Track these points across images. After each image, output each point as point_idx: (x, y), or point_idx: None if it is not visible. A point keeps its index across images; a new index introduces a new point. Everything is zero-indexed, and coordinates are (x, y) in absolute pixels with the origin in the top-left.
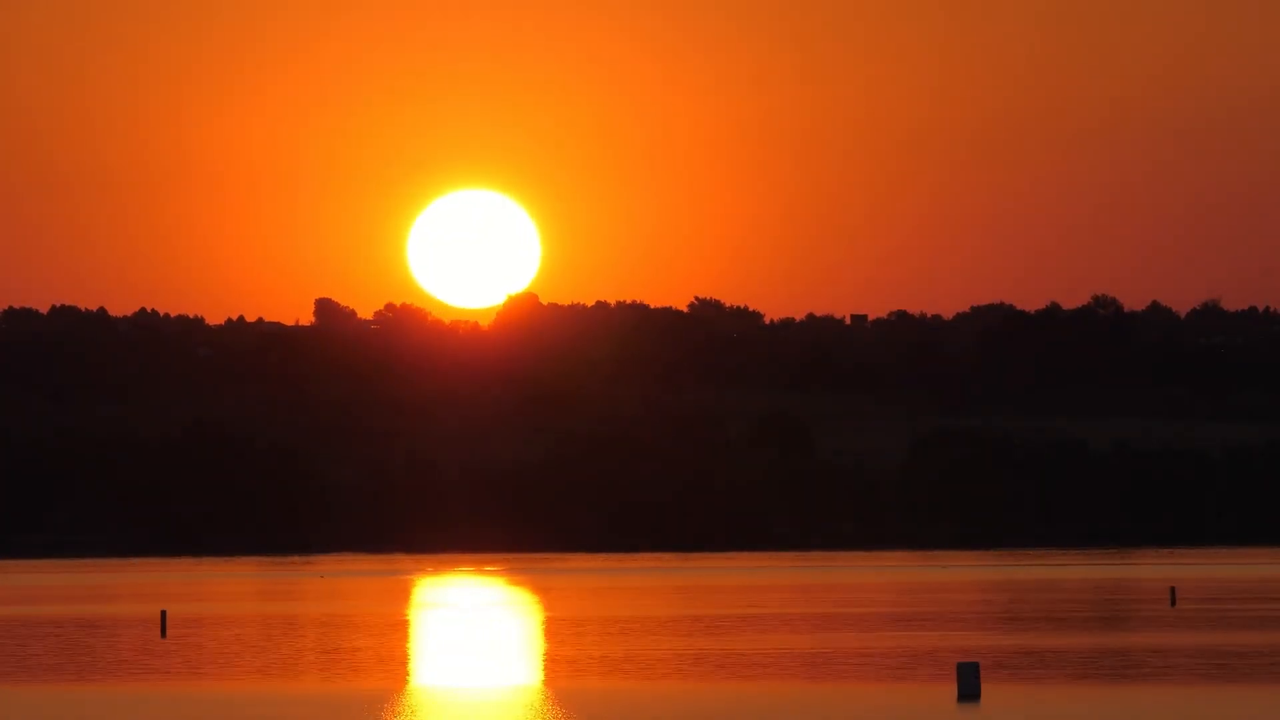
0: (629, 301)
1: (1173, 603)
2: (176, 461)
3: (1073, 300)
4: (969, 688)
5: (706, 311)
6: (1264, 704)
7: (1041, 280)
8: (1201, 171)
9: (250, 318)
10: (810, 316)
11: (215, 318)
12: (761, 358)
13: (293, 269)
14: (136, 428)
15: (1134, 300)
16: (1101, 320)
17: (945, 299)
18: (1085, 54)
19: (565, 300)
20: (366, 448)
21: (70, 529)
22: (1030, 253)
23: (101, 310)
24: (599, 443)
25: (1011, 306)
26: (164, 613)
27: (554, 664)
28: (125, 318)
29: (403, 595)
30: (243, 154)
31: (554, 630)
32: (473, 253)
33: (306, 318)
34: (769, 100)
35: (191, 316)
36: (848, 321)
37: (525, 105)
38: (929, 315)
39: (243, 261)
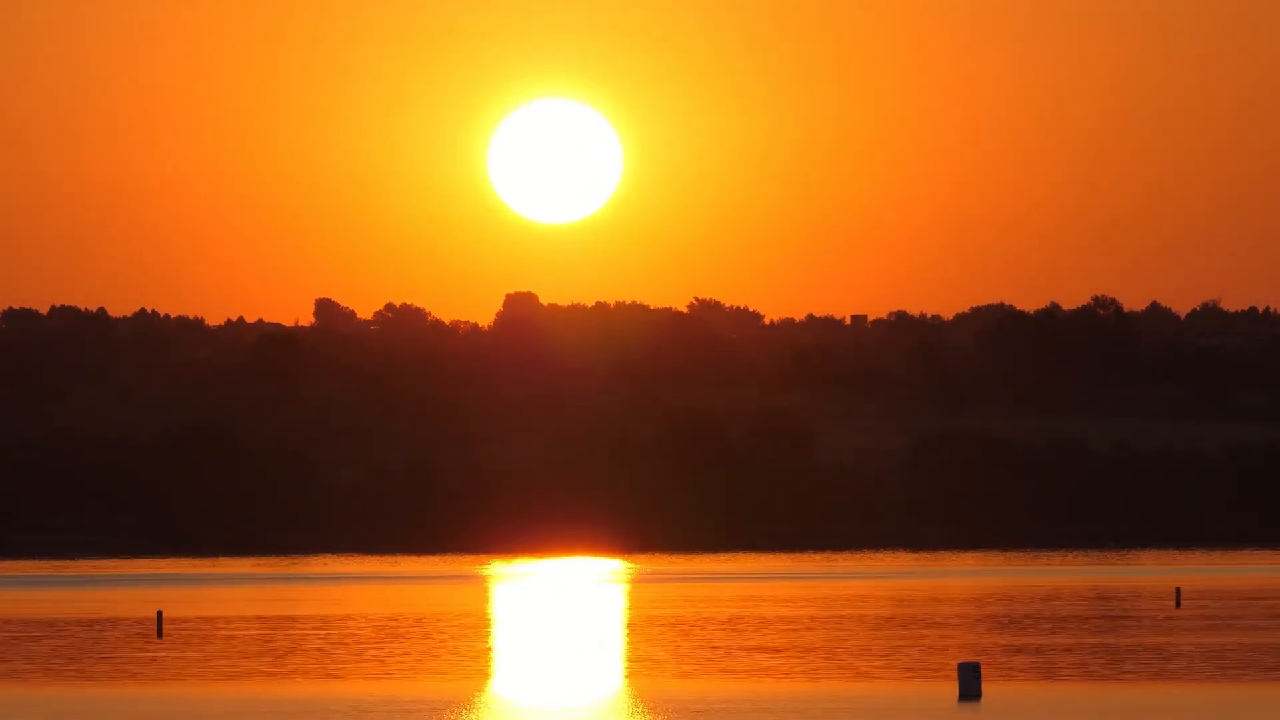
0: (629, 302)
1: (1178, 604)
2: (176, 461)
3: (1073, 300)
4: (970, 688)
5: (706, 311)
6: (1268, 704)
7: (1041, 280)
8: (1201, 171)
9: (250, 318)
10: (810, 316)
11: (215, 318)
12: (761, 358)
13: (293, 269)
14: (136, 428)
15: (1134, 300)
16: (1101, 320)
17: (945, 299)
18: (1084, 54)
19: (565, 300)
20: (366, 448)
21: (70, 529)
22: (1030, 253)
23: (101, 310)
24: (598, 443)
25: (1011, 307)
26: (160, 613)
27: (543, 667)
28: (125, 318)
29: (404, 597)
30: (244, 153)
31: (538, 636)
32: (554, 164)
33: (306, 318)
34: (768, 101)
35: (191, 317)
36: (848, 322)
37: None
38: (929, 315)
39: (243, 261)
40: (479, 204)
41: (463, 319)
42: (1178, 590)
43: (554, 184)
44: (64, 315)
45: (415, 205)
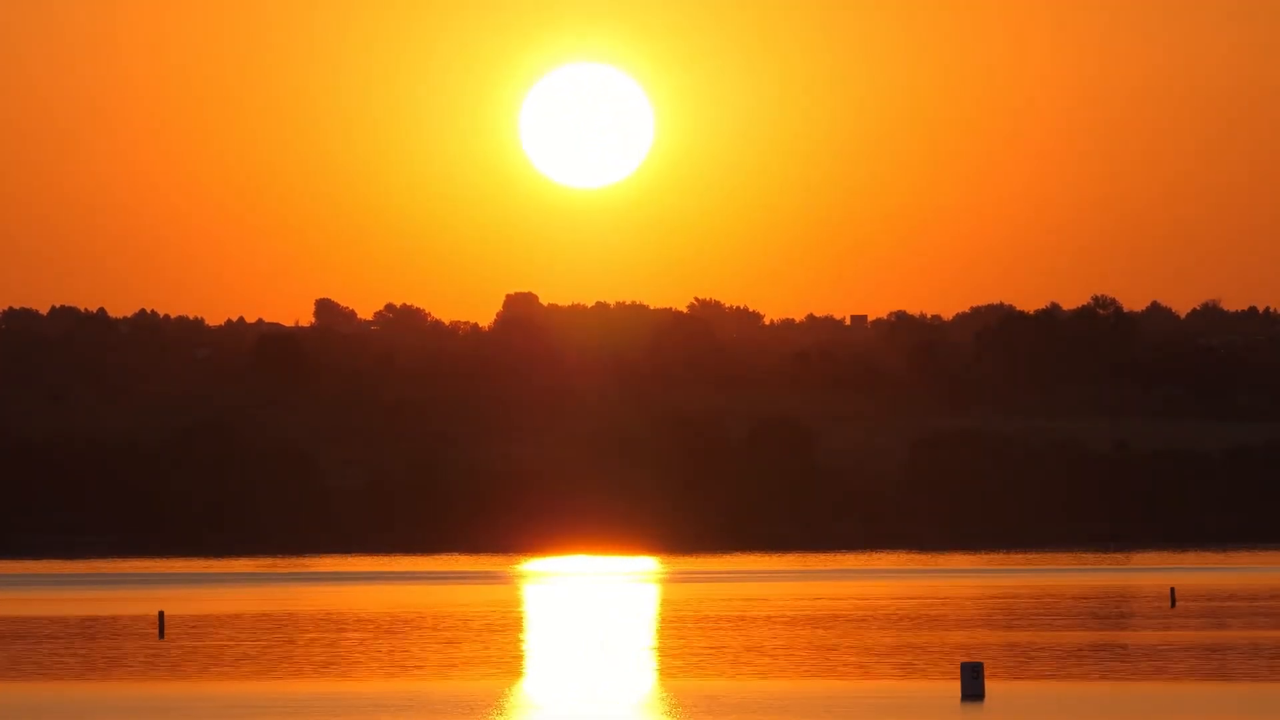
0: (629, 302)
1: (1173, 604)
2: (177, 461)
3: (1073, 300)
4: (972, 687)
5: (706, 311)
6: (1262, 703)
7: (1041, 280)
8: (1201, 171)
9: (250, 318)
10: (810, 316)
11: (215, 318)
12: (761, 358)
13: (293, 269)
14: (136, 428)
15: (1134, 300)
16: (1101, 320)
17: (945, 299)
18: (1086, 53)
19: (565, 300)
20: (367, 448)
21: (70, 529)
22: (1030, 253)
23: (101, 310)
24: (598, 443)
25: (1011, 307)
26: (162, 614)
27: (534, 667)
28: (125, 318)
29: (405, 596)
30: (244, 153)
31: (540, 636)
32: (586, 129)
33: (306, 318)
34: (768, 101)
35: (191, 317)
36: (848, 322)
37: None
38: (929, 315)
39: (243, 261)
40: (509, 167)
41: (463, 319)
42: (1172, 590)
43: (585, 149)
44: (64, 315)
45: (442, 168)
